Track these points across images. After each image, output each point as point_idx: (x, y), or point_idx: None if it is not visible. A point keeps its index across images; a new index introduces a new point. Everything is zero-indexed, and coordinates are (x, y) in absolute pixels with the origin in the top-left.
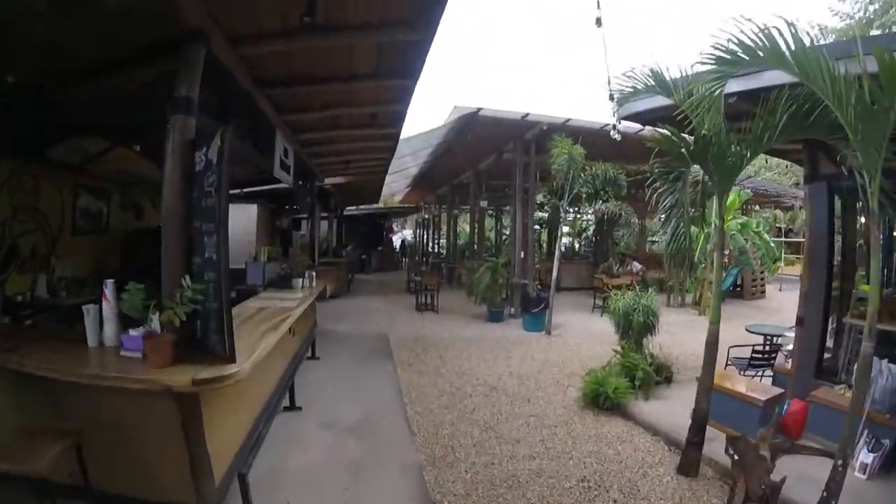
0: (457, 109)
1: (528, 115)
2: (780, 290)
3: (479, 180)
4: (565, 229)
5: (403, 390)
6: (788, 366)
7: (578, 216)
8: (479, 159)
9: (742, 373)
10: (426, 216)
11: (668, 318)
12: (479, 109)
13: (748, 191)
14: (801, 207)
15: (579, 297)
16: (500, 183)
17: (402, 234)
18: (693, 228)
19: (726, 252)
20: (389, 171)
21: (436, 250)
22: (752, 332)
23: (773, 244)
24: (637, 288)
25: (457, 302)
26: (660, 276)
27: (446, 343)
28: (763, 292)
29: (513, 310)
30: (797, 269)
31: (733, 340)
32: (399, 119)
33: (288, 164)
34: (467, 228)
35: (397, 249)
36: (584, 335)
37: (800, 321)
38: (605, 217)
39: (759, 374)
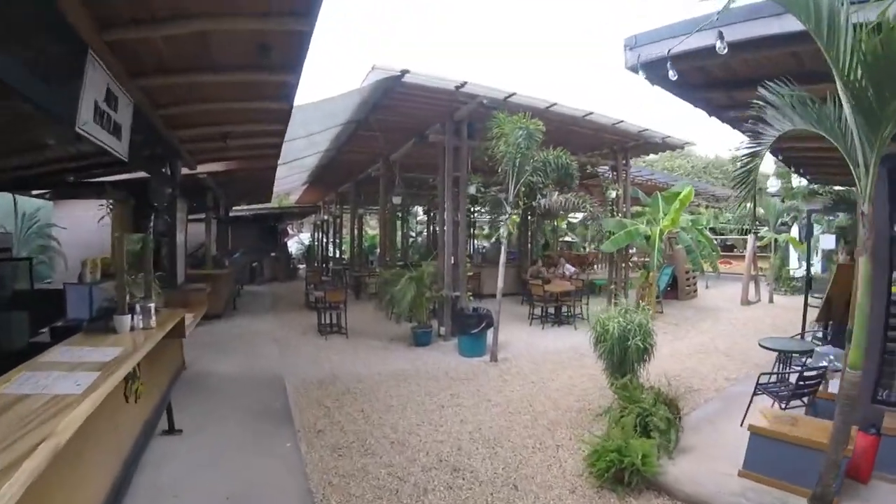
0: (376, 71)
1: (464, 84)
2: (707, 287)
3: (391, 172)
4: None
5: (315, 491)
6: (832, 390)
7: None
8: (395, 145)
9: (784, 406)
10: (326, 217)
11: None
12: (405, 73)
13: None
14: (725, 209)
15: (508, 305)
16: (417, 176)
17: (299, 238)
18: (642, 226)
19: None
20: (283, 161)
21: (337, 256)
22: (769, 349)
23: (714, 242)
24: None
25: (368, 318)
26: (590, 277)
27: (367, 385)
28: (696, 291)
29: (443, 329)
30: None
31: (703, 352)
32: (298, 55)
33: (116, 121)
34: (371, 231)
35: (294, 255)
36: (538, 358)
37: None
38: (537, 212)
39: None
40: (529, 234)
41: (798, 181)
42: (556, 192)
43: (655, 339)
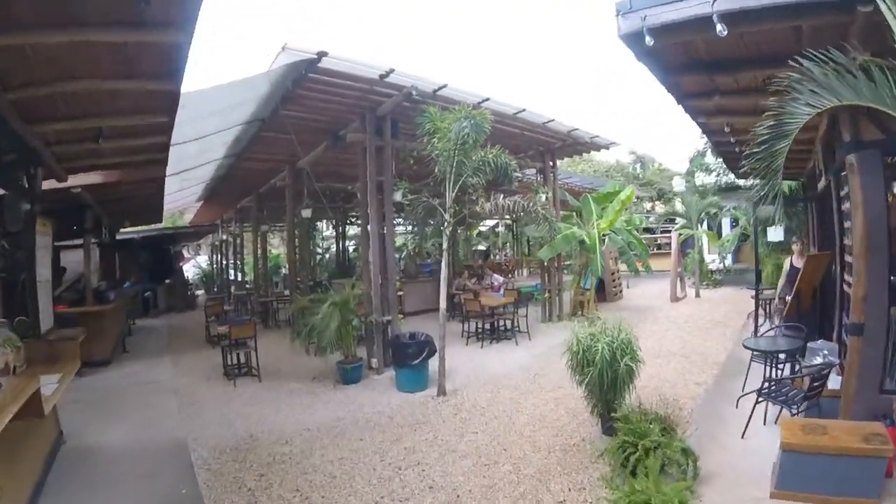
0: (288, 52)
1: (391, 72)
2: (628, 287)
3: (300, 182)
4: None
5: None
6: (832, 386)
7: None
8: (305, 148)
9: (796, 412)
10: (225, 237)
11: (557, 340)
12: (322, 55)
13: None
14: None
15: (432, 322)
16: (330, 186)
17: (196, 262)
18: (577, 230)
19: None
20: (173, 172)
21: (239, 279)
22: (753, 350)
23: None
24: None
25: (282, 353)
26: (516, 286)
27: (297, 448)
28: (621, 292)
29: (374, 361)
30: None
31: (660, 356)
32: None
33: None
34: (274, 251)
35: (191, 281)
36: (490, 385)
37: (857, 329)
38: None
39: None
40: (449, 244)
41: (703, 179)
42: (490, 197)
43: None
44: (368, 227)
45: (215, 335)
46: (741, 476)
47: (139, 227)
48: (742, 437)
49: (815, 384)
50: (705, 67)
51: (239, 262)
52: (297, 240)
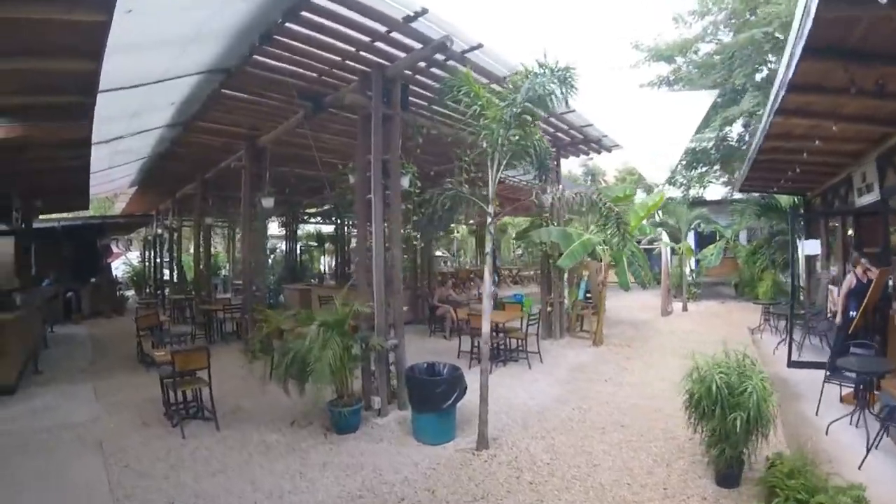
0: None
1: (421, 14)
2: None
3: (260, 163)
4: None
5: None
6: None
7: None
8: (270, 118)
9: None
10: (160, 231)
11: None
12: None
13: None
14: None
15: (413, 337)
16: (298, 172)
17: (126, 259)
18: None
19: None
20: (101, 139)
21: (176, 280)
22: (846, 370)
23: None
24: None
25: (236, 379)
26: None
27: None
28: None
29: (376, 400)
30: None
31: None
32: None
33: None
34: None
35: (120, 280)
36: (538, 429)
37: None
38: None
39: None
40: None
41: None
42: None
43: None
44: (371, 221)
45: (149, 356)
46: None
47: (62, 215)
48: (860, 468)
49: None
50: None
51: (175, 261)
52: (252, 236)
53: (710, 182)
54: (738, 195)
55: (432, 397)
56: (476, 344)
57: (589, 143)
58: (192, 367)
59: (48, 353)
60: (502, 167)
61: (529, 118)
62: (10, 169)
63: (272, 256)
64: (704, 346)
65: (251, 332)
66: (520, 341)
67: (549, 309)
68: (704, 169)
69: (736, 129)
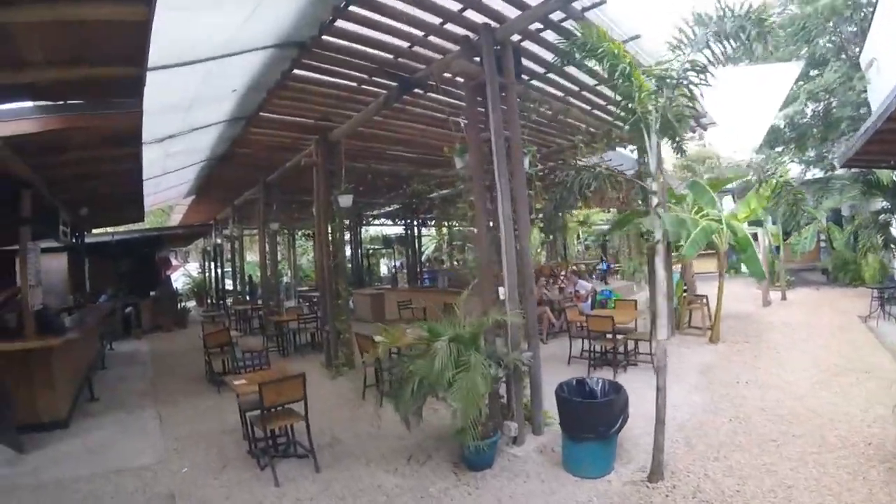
0: None
1: None
2: None
3: (334, 159)
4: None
5: None
6: None
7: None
8: (354, 102)
9: None
10: (218, 241)
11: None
12: None
13: None
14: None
15: None
16: (373, 167)
17: (186, 270)
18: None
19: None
20: (154, 140)
21: (239, 290)
22: None
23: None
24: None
25: (328, 403)
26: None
27: None
28: None
29: (513, 427)
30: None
31: (836, 374)
32: None
33: None
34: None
35: (180, 293)
36: (713, 452)
37: None
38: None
39: None
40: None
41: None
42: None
43: None
44: (498, 209)
45: (220, 377)
46: None
47: (118, 228)
48: None
49: None
50: None
51: (238, 270)
52: (329, 237)
53: (793, 161)
54: (818, 174)
55: (593, 421)
56: (592, 348)
57: (685, 121)
58: (284, 399)
59: (105, 374)
60: (658, 137)
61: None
62: (54, 176)
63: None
64: (824, 339)
65: (334, 345)
66: (636, 343)
67: (684, 305)
68: (780, 148)
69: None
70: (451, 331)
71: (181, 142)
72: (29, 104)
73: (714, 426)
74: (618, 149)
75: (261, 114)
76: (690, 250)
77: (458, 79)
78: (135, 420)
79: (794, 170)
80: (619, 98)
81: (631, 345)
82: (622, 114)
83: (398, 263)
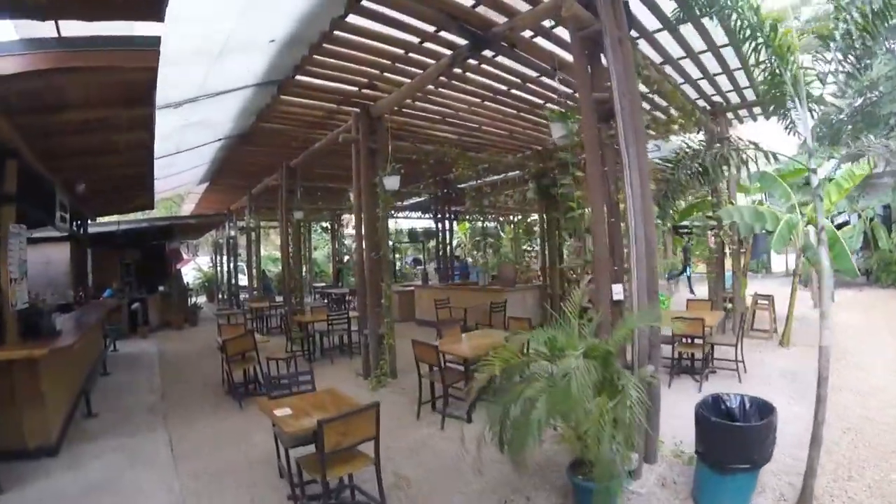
0: None
1: None
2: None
3: (375, 134)
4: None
5: None
6: None
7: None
8: (406, 64)
9: None
10: (233, 234)
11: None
12: None
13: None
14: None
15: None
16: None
17: (197, 264)
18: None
19: None
20: (166, 102)
21: (252, 285)
22: None
23: None
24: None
25: (385, 424)
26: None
27: None
28: None
29: (635, 457)
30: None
31: None
32: None
33: None
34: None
35: (191, 288)
36: (845, 471)
37: None
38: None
39: None
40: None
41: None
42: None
43: None
44: (629, 186)
45: (241, 388)
46: None
47: (125, 217)
48: None
49: None
50: None
51: (255, 265)
52: (372, 224)
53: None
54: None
55: (748, 448)
56: (679, 355)
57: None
58: (351, 441)
59: (107, 381)
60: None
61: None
62: (49, 147)
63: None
64: (893, 341)
65: (374, 352)
66: (712, 348)
67: (728, 306)
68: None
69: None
70: (582, 343)
71: (201, 109)
72: (14, 38)
73: (831, 440)
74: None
75: (297, 77)
76: (778, 246)
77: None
78: (140, 445)
79: (826, 166)
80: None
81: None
82: (762, 77)
83: (411, 259)
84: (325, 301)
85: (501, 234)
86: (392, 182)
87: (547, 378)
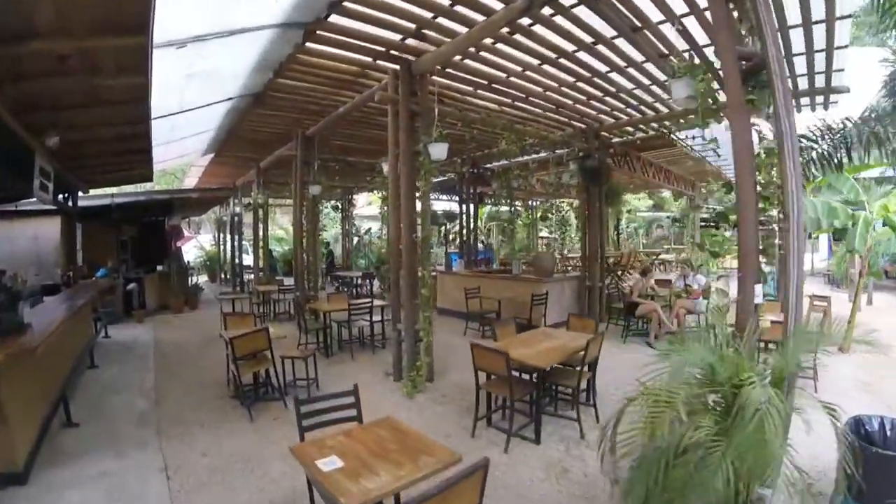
0: None
1: None
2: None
3: (418, 95)
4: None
5: None
6: None
7: None
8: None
9: None
10: (238, 211)
11: (846, 372)
12: None
13: None
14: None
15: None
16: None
17: (198, 242)
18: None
19: None
20: (172, 42)
21: (258, 266)
22: None
23: None
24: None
25: (441, 434)
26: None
27: None
28: None
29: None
30: None
31: None
32: None
33: None
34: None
35: (192, 268)
36: None
37: None
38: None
39: None
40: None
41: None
42: None
43: None
44: (788, 164)
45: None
46: None
47: (123, 189)
48: None
49: None
50: None
51: (261, 243)
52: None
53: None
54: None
55: None
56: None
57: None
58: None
59: (94, 376)
60: None
61: None
62: (21, 92)
63: (367, 238)
64: None
65: (410, 352)
66: None
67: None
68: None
69: None
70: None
71: (210, 53)
72: None
73: None
74: None
75: (330, 18)
76: (860, 245)
77: None
78: (128, 471)
79: None
80: None
81: None
82: None
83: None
84: (336, 285)
85: (519, 219)
86: (439, 150)
87: (713, 413)
